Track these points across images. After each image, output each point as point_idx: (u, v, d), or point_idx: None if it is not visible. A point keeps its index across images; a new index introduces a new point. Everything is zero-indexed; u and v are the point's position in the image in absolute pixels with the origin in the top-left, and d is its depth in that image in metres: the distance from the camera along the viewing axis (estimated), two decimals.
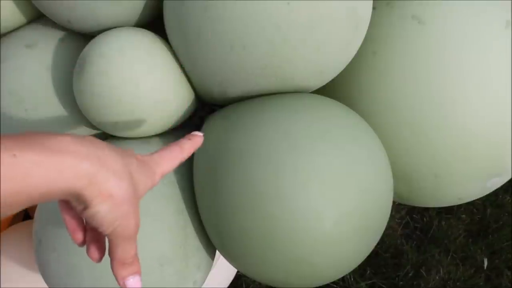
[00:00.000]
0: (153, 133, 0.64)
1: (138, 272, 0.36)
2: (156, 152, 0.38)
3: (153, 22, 0.64)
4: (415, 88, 0.59)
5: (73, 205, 0.32)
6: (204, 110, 0.71)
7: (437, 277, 1.32)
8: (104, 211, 0.31)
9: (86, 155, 0.30)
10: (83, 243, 0.37)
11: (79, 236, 0.37)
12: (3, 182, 0.26)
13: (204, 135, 0.43)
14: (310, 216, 0.50)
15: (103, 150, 0.32)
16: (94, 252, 0.38)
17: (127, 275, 0.35)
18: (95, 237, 0.37)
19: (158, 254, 0.57)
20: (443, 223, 1.41)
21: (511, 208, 1.43)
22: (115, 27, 0.60)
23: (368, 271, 1.32)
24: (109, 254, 0.35)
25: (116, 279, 0.35)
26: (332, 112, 0.57)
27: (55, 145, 0.29)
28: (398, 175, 0.62)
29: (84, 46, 0.59)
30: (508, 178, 0.65)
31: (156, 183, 0.37)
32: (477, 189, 0.64)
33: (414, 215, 1.43)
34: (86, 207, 0.31)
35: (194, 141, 0.42)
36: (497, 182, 0.65)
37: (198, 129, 0.64)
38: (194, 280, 0.62)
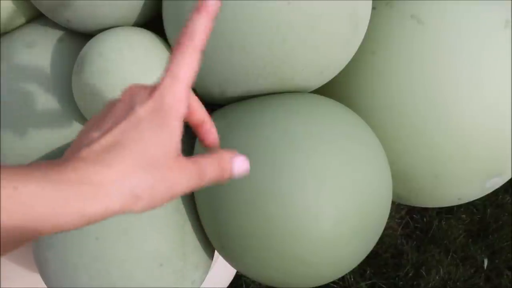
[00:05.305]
0: None
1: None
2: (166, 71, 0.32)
3: (153, 22, 0.64)
4: (414, 88, 0.59)
5: None
6: None
7: (437, 277, 1.32)
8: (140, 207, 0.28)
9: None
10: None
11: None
12: (3, 215, 0.24)
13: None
14: (309, 216, 0.50)
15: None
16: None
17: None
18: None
19: (156, 253, 0.57)
20: (443, 223, 1.41)
21: (511, 208, 1.43)
22: (114, 27, 0.60)
23: (368, 271, 1.32)
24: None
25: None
26: (331, 112, 0.57)
27: (56, 176, 0.26)
28: (398, 175, 0.62)
29: (83, 46, 0.59)
30: (508, 178, 0.65)
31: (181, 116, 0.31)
32: (476, 189, 0.64)
33: (414, 215, 1.43)
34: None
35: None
36: (497, 182, 0.64)
37: None
38: (193, 279, 0.62)
